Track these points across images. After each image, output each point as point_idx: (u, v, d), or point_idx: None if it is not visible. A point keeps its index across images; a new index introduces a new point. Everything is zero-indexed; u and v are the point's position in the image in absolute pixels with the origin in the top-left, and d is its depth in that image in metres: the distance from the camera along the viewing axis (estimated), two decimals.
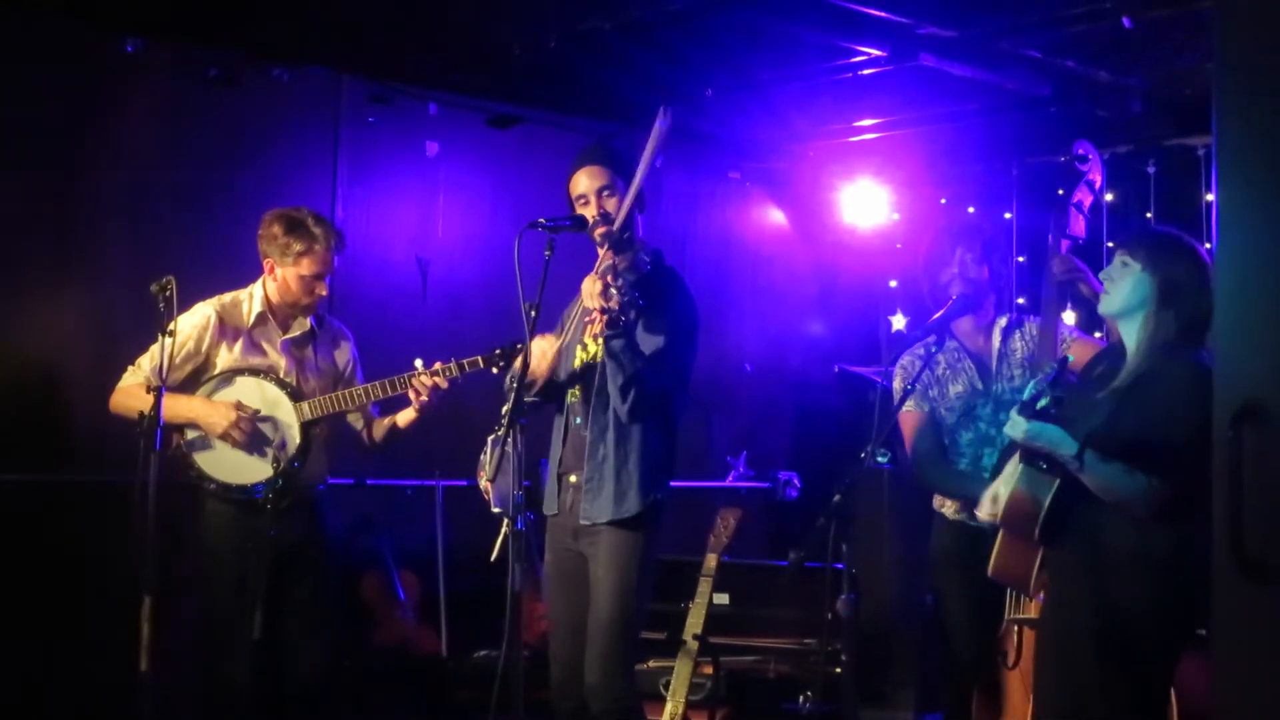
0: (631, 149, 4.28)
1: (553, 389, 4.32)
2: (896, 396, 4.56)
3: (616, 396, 4.07)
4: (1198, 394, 3.30)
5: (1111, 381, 3.67)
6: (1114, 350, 3.89)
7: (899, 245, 7.68)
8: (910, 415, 4.65)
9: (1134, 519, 3.56)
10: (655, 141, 4.04)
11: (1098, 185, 4.67)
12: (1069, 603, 3.67)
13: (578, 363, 4.26)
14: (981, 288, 4.64)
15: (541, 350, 4.16)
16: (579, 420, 4.22)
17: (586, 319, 4.11)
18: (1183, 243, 3.77)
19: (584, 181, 4.21)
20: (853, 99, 6.56)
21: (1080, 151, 4.68)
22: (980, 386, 4.63)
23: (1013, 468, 3.80)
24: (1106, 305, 3.76)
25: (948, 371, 4.66)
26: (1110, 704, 3.58)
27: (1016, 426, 3.61)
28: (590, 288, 3.99)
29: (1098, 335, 4.95)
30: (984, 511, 3.96)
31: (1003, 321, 4.69)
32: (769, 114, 6.89)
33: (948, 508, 4.66)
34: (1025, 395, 3.69)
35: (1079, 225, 4.59)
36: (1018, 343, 4.65)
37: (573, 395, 4.25)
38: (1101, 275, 3.80)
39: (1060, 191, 4.71)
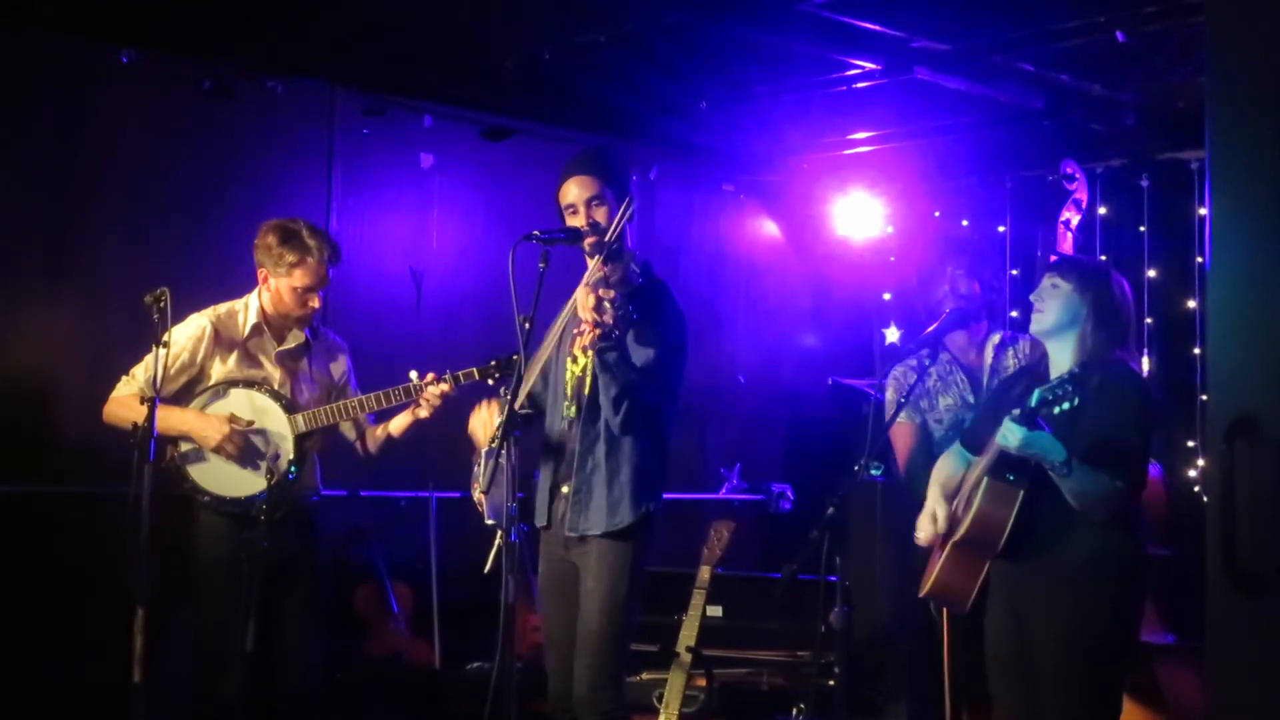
0: (620, 158, 4.29)
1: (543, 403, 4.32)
2: (889, 408, 4.60)
3: (609, 408, 4.06)
4: (1144, 399, 3.85)
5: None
6: (1031, 371, 4.05)
7: (892, 258, 7.68)
8: (902, 427, 4.70)
9: (1093, 526, 3.73)
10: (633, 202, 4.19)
11: (1085, 204, 4.71)
12: (1027, 611, 3.83)
13: (568, 375, 4.25)
14: (973, 302, 4.69)
15: (482, 420, 4.23)
16: (569, 432, 4.22)
17: (575, 330, 4.10)
18: (1105, 267, 4.07)
19: (573, 191, 4.21)
20: (847, 112, 6.57)
21: (1068, 170, 4.72)
22: (970, 399, 4.63)
23: (937, 490, 4.05)
24: (1039, 324, 3.92)
25: (939, 384, 4.67)
26: (1075, 705, 3.73)
27: (1013, 435, 3.65)
28: (584, 300, 3.98)
29: None
30: (923, 534, 4.08)
31: (996, 338, 4.71)
32: (763, 127, 6.90)
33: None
34: (1033, 403, 3.70)
35: (1066, 243, 4.64)
36: (1010, 359, 4.66)
37: (567, 409, 4.24)
38: (1031, 297, 3.95)
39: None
